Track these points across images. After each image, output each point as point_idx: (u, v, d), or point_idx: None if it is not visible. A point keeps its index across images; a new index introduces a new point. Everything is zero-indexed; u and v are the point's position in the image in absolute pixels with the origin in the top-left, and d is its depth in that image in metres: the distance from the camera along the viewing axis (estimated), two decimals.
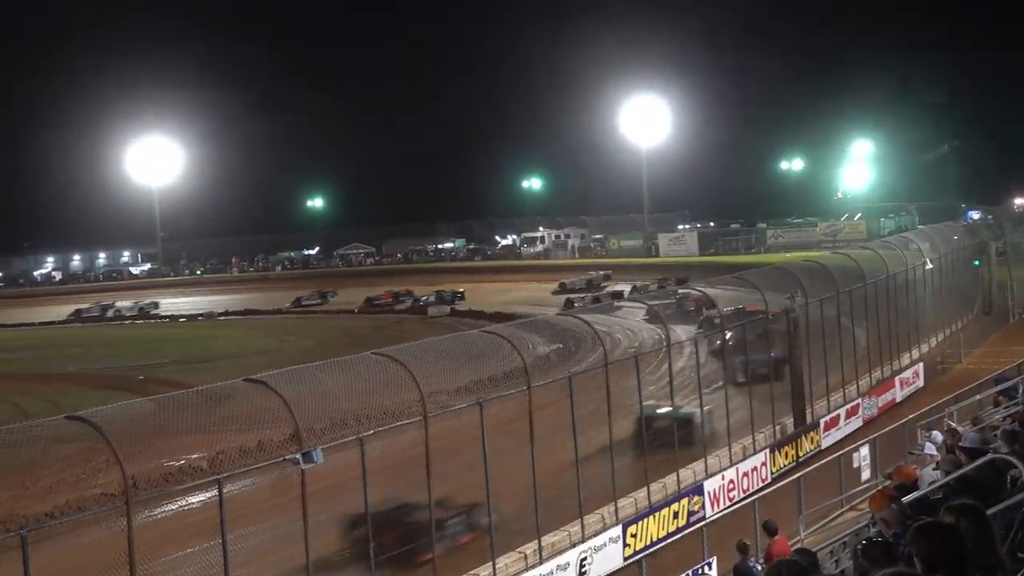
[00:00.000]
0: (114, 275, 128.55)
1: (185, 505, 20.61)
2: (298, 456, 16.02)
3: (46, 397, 40.41)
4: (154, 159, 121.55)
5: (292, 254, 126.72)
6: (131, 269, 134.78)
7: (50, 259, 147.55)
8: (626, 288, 66.68)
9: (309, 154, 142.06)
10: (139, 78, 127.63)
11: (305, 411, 17.20)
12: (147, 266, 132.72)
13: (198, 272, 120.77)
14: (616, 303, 50.71)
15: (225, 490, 15.81)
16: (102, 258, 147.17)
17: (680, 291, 46.43)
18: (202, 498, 19.28)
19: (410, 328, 60.21)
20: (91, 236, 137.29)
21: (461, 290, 76.66)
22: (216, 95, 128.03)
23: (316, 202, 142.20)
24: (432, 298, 74.61)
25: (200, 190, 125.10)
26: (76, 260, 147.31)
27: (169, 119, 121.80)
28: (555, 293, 70.90)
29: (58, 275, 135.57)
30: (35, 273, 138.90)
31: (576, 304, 58.76)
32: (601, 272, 77.96)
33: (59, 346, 63.07)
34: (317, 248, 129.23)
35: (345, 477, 18.20)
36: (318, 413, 18.89)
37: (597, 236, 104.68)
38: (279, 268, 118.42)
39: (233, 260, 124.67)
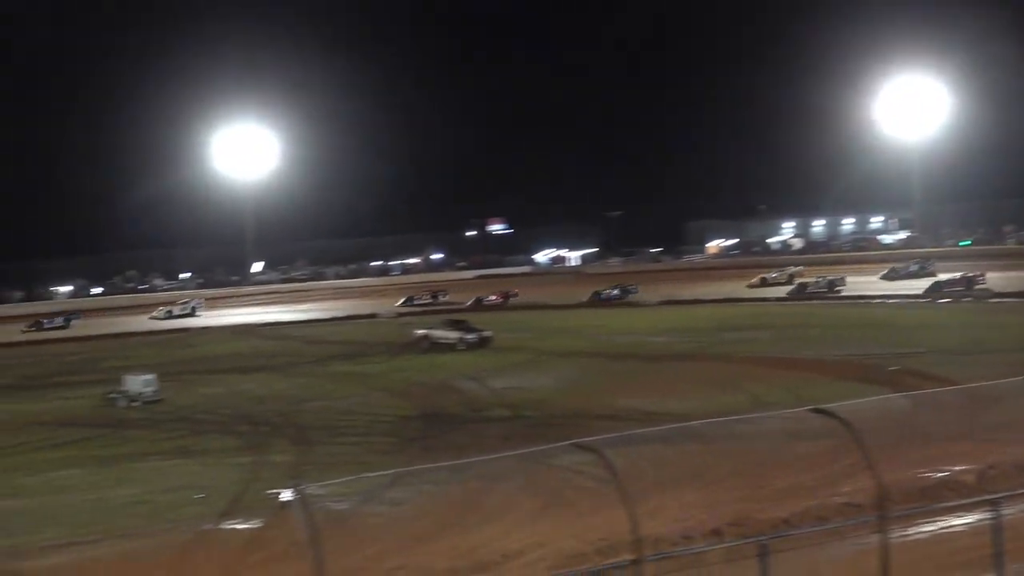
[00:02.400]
0: (861, 244, 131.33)
1: (946, 527, 20.49)
2: None
3: (783, 385, 42.63)
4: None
5: None
6: (881, 238, 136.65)
7: (788, 224, 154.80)
8: None
9: None
10: None
11: None
12: (903, 234, 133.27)
13: (962, 243, 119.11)
14: None
15: (999, 514, 15.47)
16: (848, 224, 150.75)
17: None
18: (968, 520, 19.09)
19: None
20: (838, 198, 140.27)
21: None
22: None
23: None
24: None
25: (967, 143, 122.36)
26: (818, 225, 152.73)
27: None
28: None
29: (797, 243, 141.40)
30: (769, 240, 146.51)
31: None
32: None
33: (796, 326, 66.17)
34: None
35: None
36: None
37: None
38: None
39: (1006, 229, 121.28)
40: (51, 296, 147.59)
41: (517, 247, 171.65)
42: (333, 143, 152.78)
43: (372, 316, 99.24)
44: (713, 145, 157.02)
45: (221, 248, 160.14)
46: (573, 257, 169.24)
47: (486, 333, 65.47)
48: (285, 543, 21.72)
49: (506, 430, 37.42)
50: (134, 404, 48.59)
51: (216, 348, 76.80)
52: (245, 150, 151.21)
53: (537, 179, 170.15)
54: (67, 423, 45.37)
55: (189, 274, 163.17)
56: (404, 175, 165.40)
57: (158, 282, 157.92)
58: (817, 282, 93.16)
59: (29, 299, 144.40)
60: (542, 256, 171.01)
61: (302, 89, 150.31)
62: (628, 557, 16.08)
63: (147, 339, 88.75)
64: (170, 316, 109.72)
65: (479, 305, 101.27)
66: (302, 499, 15.02)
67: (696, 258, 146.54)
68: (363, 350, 67.43)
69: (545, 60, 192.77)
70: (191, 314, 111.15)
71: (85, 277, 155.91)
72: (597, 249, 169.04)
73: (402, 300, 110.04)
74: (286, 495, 24.95)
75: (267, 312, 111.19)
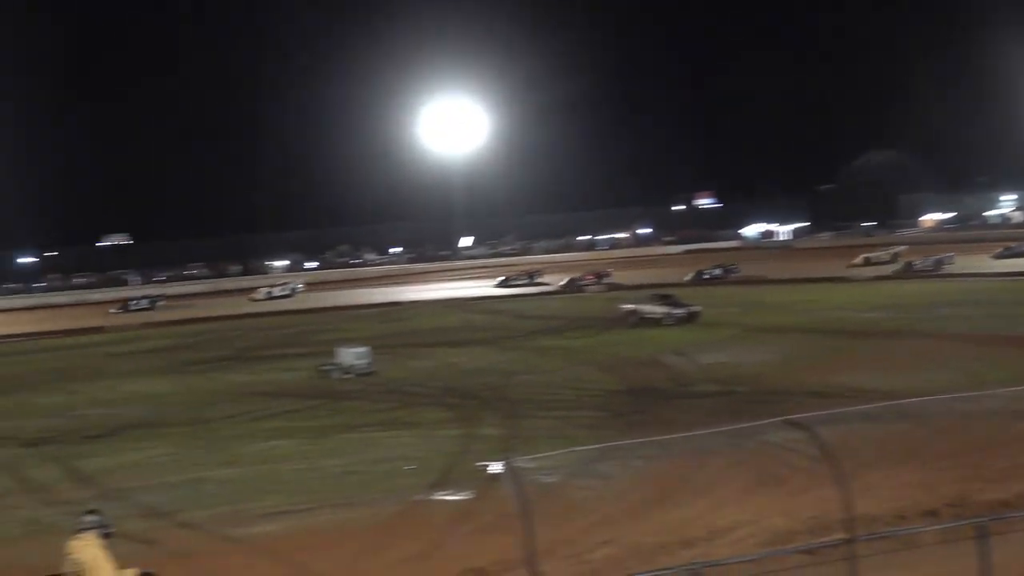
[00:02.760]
0: None
1: None
2: None
3: (1002, 363, 41.15)
4: None
5: None
6: None
7: (1008, 197, 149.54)
8: None
9: None
10: None
11: None
12: None
13: None
14: None
15: None
16: None
17: None
18: None
19: None
20: None
21: None
22: None
23: None
24: None
25: None
26: None
27: None
28: None
29: (1018, 216, 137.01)
30: (987, 213, 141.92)
31: None
32: None
33: (1012, 303, 63.89)
34: None
35: None
36: None
37: None
38: None
39: None
40: (266, 270, 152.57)
41: (726, 221, 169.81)
42: (541, 118, 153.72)
43: (579, 291, 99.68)
44: (930, 117, 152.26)
45: (432, 223, 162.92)
46: (783, 231, 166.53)
47: (694, 308, 65.08)
48: (495, 515, 22.01)
49: (714, 405, 37.06)
50: (347, 376, 49.70)
51: (426, 322, 78.17)
52: (455, 125, 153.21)
53: (748, 152, 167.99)
54: (282, 394, 46.71)
55: (400, 248, 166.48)
56: (613, 149, 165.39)
57: (371, 256, 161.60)
58: (924, 261, 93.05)
59: (246, 273, 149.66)
60: (751, 230, 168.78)
61: (512, 64, 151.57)
62: (840, 536, 15.82)
63: (359, 312, 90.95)
64: (271, 297, 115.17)
65: (572, 286, 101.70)
66: (512, 471, 15.18)
67: (910, 232, 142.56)
68: (571, 324, 67.75)
69: (758, 34, 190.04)
70: (290, 295, 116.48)
71: (302, 251, 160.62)
72: (808, 223, 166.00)
73: (499, 280, 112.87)
74: (496, 467, 25.25)
75: (476, 286, 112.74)
